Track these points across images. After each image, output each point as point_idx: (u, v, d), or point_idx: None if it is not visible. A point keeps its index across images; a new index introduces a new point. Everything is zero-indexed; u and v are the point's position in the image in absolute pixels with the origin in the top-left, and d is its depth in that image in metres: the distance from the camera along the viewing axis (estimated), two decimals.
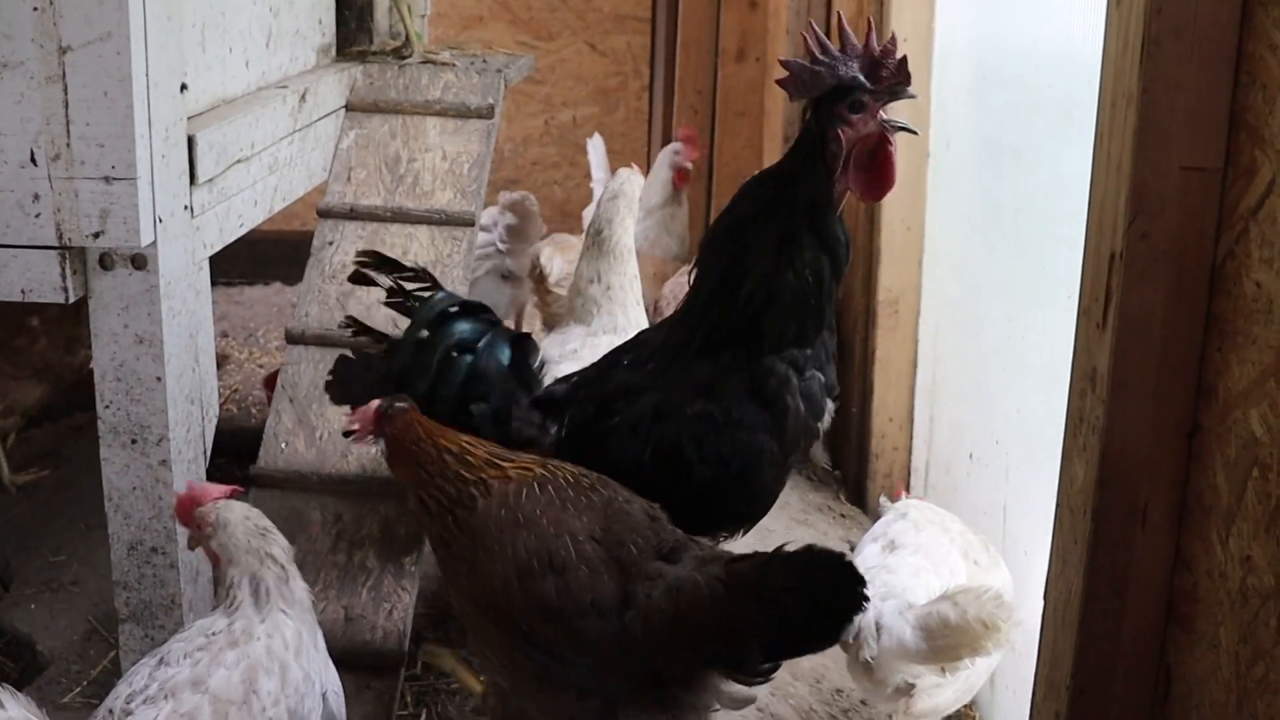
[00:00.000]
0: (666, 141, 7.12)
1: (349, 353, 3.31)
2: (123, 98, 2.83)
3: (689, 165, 6.54)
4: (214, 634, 2.63)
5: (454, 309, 3.20)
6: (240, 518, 2.79)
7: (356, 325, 3.30)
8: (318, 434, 3.58)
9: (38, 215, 2.90)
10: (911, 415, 4.85)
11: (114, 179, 2.86)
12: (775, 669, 2.53)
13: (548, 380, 3.32)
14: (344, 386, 3.26)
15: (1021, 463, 3.78)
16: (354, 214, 4.05)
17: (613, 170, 4.51)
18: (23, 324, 4.39)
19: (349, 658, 3.11)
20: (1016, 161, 3.90)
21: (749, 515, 3.15)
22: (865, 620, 3.11)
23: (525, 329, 5.54)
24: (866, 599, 2.37)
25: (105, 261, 2.95)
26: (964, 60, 4.35)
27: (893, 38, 2.88)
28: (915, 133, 2.98)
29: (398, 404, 2.85)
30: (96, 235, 2.90)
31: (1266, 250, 1.98)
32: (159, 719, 2.44)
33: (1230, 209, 2.09)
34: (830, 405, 3.05)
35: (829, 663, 3.93)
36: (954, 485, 4.40)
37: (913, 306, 4.78)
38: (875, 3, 4.68)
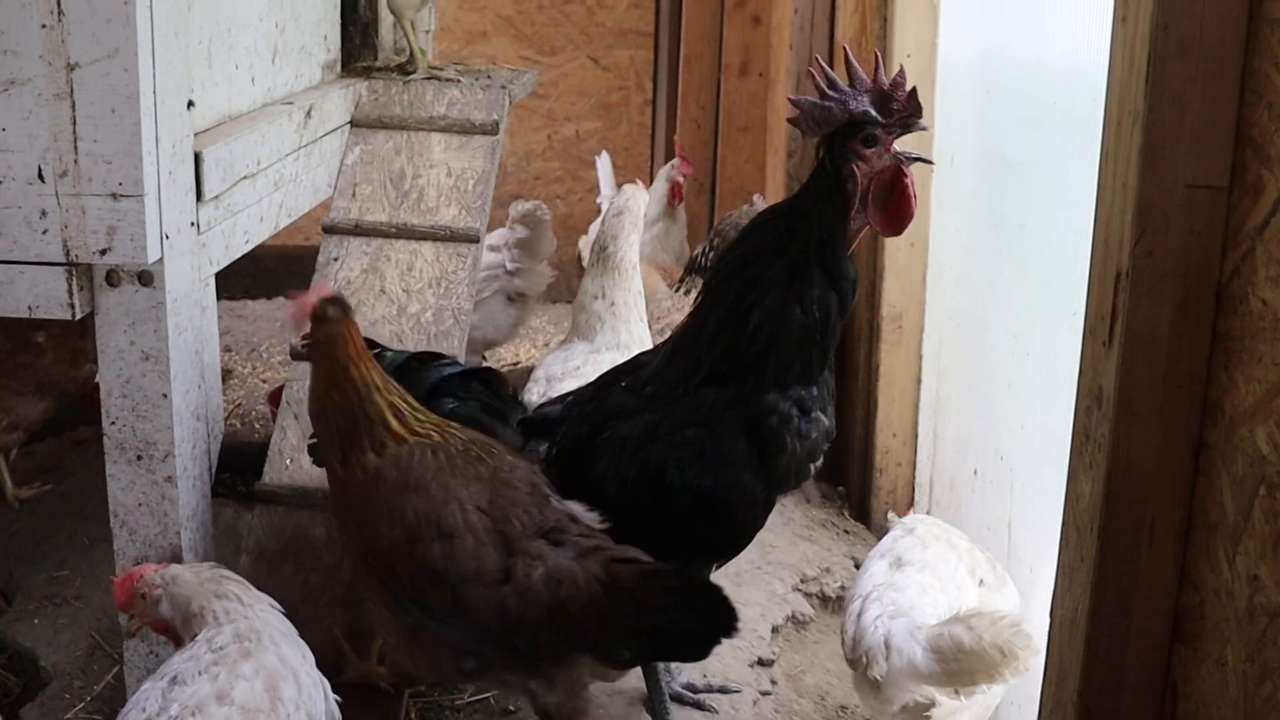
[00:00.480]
0: (669, 156, 7.13)
1: None
2: (130, 115, 2.83)
3: (681, 179, 6.55)
4: (221, 649, 2.64)
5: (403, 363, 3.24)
6: (184, 568, 2.88)
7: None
8: None
9: (45, 232, 2.90)
10: (916, 431, 4.84)
11: (121, 196, 2.86)
12: (642, 662, 2.70)
13: (548, 396, 3.33)
14: None
15: (1026, 479, 3.78)
16: (359, 230, 4.05)
17: (619, 186, 4.51)
18: (29, 339, 4.38)
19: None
20: (1021, 176, 3.91)
21: (725, 549, 3.17)
22: (874, 638, 3.11)
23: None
24: (736, 631, 2.55)
25: (112, 278, 2.95)
26: (968, 75, 4.35)
27: (901, 70, 2.89)
28: (931, 163, 2.98)
29: (332, 307, 2.90)
30: (103, 252, 2.90)
31: (1273, 268, 1.98)
32: None
33: (1236, 227, 2.10)
34: (824, 446, 3.06)
35: (834, 680, 3.93)
36: (958, 501, 4.39)
37: (917, 322, 4.78)
38: (879, 19, 4.69)
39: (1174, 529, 2.22)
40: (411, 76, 4.50)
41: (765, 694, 3.74)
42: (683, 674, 3.57)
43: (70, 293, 2.94)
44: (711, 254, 4.95)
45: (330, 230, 4.06)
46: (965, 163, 4.38)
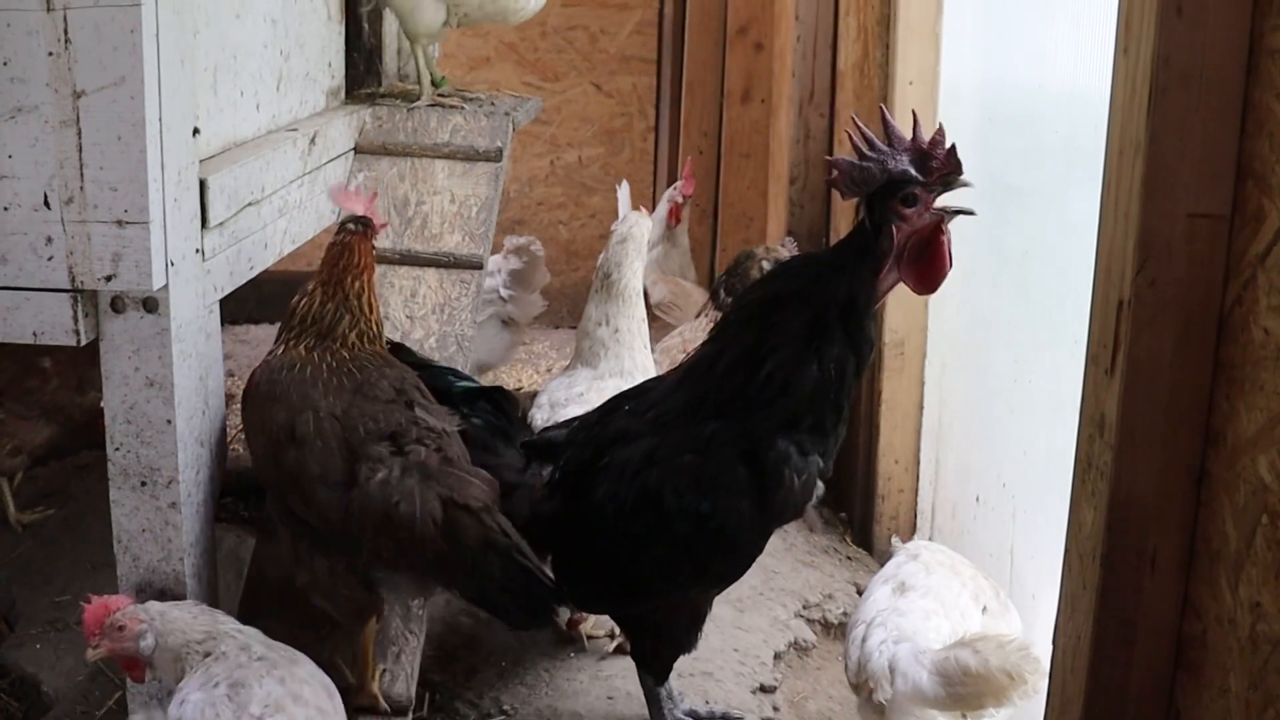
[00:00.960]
0: (672, 182, 7.14)
1: None
2: (136, 142, 2.84)
3: (680, 200, 6.55)
4: (262, 657, 2.72)
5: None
6: (168, 605, 2.90)
7: None
8: None
9: (50, 258, 2.91)
10: (918, 458, 4.84)
11: (126, 223, 2.87)
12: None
13: (552, 421, 3.33)
14: None
15: (1028, 506, 3.78)
16: None
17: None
18: (34, 365, 4.39)
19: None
20: (1023, 204, 3.92)
21: (722, 576, 3.17)
22: (878, 663, 3.10)
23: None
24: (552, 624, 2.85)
25: (117, 304, 2.96)
26: (970, 103, 4.37)
27: (940, 128, 2.87)
28: (973, 214, 2.94)
29: (359, 221, 3.24)
30: (108, 278, 2.91)
31: (1274, 297, 1.99)
32: None
33: (1238, 256, 2.10)
34: (820, 488, 3.06)
35: (836, 706, 3.93)
36: (960, 528, 4.39)
37: (919, 349, 4.78)
38: (881, 47, 4.71)
39: (1176, 557, 2.22)
40: (415, 104, 4.52)
41: None
42: (685, 700, 3.57)
43: (75, 319, 2.94)
44: (735, 284, 4.83)
45: None
46: (967, 189, 4.39)
